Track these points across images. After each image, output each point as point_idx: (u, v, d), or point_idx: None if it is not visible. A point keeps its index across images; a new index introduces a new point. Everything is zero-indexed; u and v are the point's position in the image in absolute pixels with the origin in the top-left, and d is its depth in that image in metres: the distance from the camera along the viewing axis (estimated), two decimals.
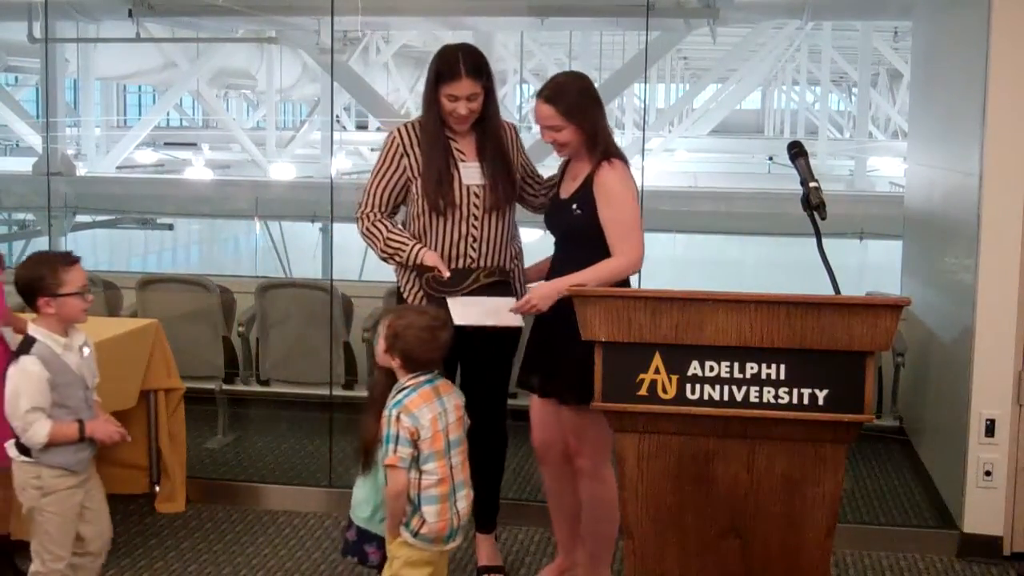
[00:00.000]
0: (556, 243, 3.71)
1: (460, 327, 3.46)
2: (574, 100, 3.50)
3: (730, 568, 2.91)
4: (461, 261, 3.69)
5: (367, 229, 3.72)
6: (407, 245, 3.67)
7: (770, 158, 20.29)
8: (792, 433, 2.83)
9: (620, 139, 21.53)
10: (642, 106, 20.49)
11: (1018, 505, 4.21)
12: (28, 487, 3.34)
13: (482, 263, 3.71)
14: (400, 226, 3.76)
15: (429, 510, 3.18)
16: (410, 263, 3.67)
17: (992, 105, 4.11)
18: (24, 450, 3.31)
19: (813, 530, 2.87)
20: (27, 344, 3.30)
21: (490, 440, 3.78)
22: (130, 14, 10.96)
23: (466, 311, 3.57)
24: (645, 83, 13.91)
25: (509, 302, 3.58)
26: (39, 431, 3.25)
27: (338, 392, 5.50)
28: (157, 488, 4.57)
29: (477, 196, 3.68)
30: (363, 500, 3.38)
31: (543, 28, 14.50)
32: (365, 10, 10.13)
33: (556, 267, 3.65)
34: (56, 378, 3.27)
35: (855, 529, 4.39)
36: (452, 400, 3.28)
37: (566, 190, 3.63)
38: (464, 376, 3.78)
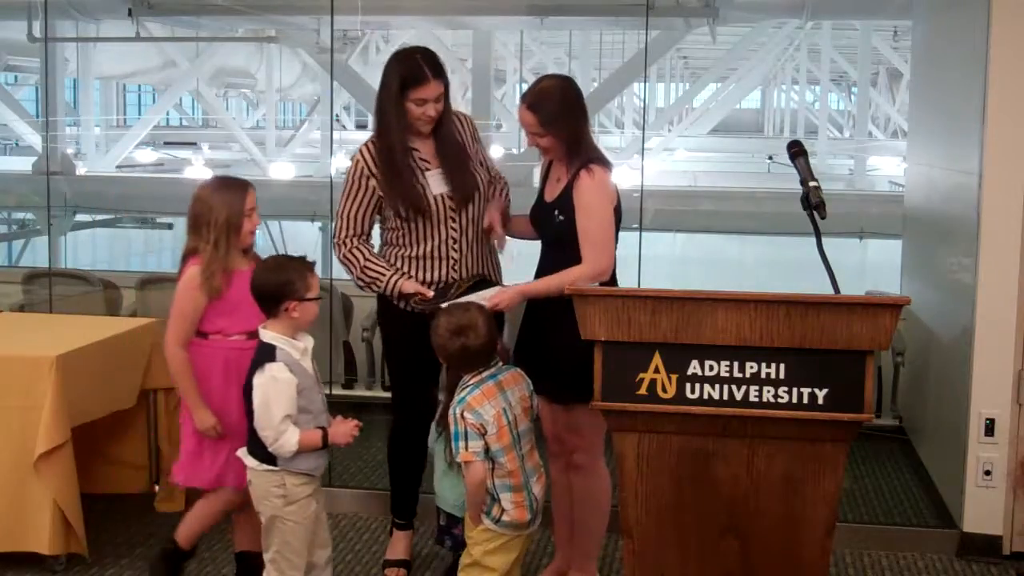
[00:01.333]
0: (542, 245, 3.73)
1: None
2: (554, 109, 3.50)
3: (730, 568, 2.92)
4: (444, 263, 3.71)
5: (344, 256, 3.72)
6: (384, 276, 3.69)
7: (770, 157, 20.28)
8: (792, 432, 2.83)
9: (620, 138, 21.51)
10: (642, 105, 20.48)
11: (1018, 504, 4.21)
12: (271, 496, 3.32)
13: (464, 262, 3.73)
14: (377, 254, 3.75)
15: (506, 498, 3.31)
16: (388, 292, 3.69)
17: (992, 105, 4.11)
18: (266, 458, 3.30)
19: (813, 529, 2.87)
20: (268, 351, 3.27)
21: None
22: (130, 13, 10.95)
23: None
24: (645, 82, 13.90)
25: (485, 294, 3.58)
26: (290, 440, 3.24)
27: (337, 392, 5.50)
28: (157, 487, 4.57)
29: (451, 199, 3.68)
30: (456, 499, 3.55)
31: (543, 27, 14.49)
32: (365, 9, 10.12)
33: (543, 269, 3.67)
34: (301, 383, 3.26)
35: (855, 528, 4.39)
36: (517, 392, 3.38)
37: (550, 193, 3.64)
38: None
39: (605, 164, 3.56)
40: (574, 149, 3.54)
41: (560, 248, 3.58)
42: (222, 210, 3.50)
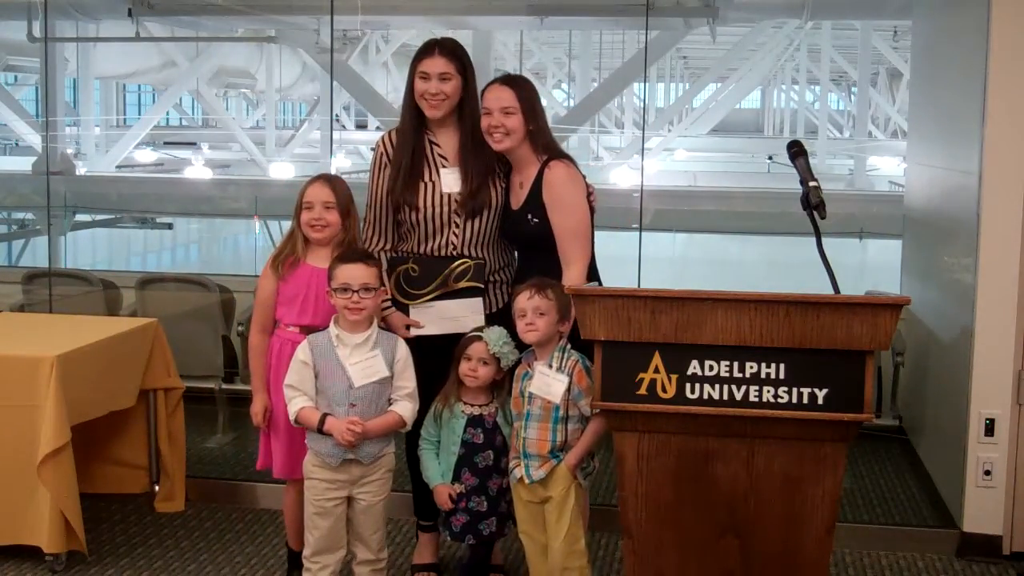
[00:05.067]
0: (518, 253, 3.75)
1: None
2: (530, 92, 3.60)
3: (730, 567, 2.92)
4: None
5: None
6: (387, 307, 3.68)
7: (770, 157, 20.29)
8: (792, 432, 2.83)
9: (620, 139, 21.51)
10: (642, 105, 20.49)
11: (1018, 504, 4.21)
12: None
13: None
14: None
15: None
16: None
17: (992, 105, 4.11)
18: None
19: (813, 529, 2.87)
20: (322, 329, 3.50)
21: None
22: (130, 13, 10.94)
23: (428, 320, 3.63)
24: (645, 82, 13.90)
25: (472, 304, 3.59)
26: (290, 408, 3.46)
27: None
28: (156, 487, 4.57)
29: (458, 203, 3.62)
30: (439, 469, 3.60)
31: (543, 27, 14.48)
32: (365, 9, 10.13)
33: (521, 275, 3.68)
34: (317, 366, 3.43)
35: (855, 528, 4.40)
36: None
37: (516, 200, 3.65)
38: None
39: (569, 159, 3.62)
40: (537, 139, 3.57)
41: (535, 251, 3.61)
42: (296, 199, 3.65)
